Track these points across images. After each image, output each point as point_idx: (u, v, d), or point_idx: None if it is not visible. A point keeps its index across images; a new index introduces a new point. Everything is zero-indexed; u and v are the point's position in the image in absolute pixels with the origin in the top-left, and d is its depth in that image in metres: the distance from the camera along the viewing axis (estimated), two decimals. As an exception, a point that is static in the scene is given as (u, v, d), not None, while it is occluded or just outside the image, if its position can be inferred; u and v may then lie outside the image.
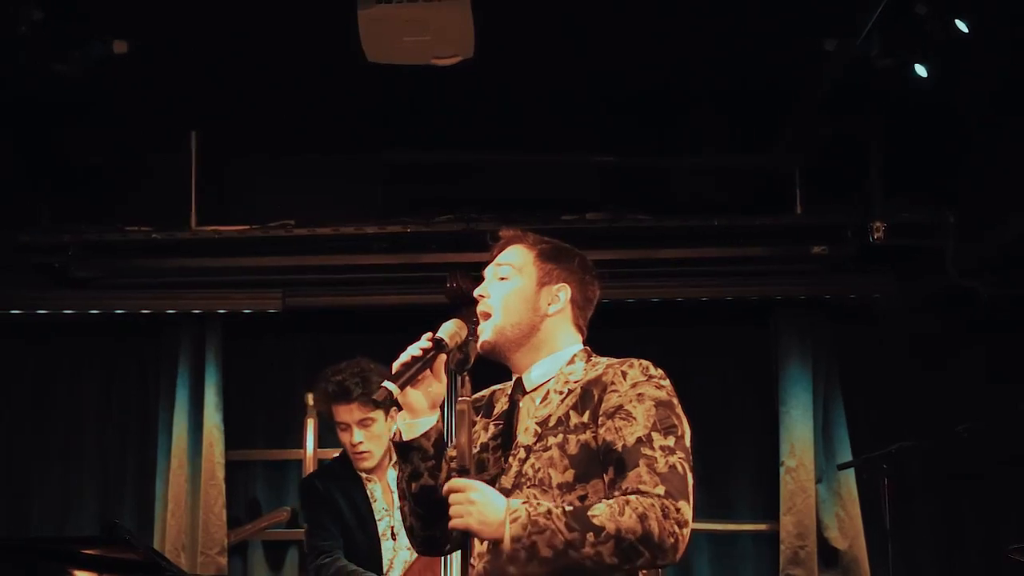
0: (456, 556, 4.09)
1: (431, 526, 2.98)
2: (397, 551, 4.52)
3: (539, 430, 2.89)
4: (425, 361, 2.84)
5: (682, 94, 5.89)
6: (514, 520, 2.67)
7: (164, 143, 6.03)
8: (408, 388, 2.85)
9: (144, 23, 5.12)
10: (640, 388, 2.83)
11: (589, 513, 2.67)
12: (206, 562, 6.01)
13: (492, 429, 3.01)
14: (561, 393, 2.92)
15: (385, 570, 4.49)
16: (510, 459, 2.91)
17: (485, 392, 3.12)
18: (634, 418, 2.79)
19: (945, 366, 6.24)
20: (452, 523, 2.69)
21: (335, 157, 6.17)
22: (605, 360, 2.98)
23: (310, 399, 6.10)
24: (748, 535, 6.27)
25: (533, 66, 5.51)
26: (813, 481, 6.07)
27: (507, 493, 2.84)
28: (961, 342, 6.24)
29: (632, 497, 2.69)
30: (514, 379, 3.03)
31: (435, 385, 2.89)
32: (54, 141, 6.00)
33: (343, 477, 4.61)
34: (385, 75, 5.23)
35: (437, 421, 2.93)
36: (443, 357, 2.90)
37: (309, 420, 6.10)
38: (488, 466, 2.95)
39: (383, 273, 6.11)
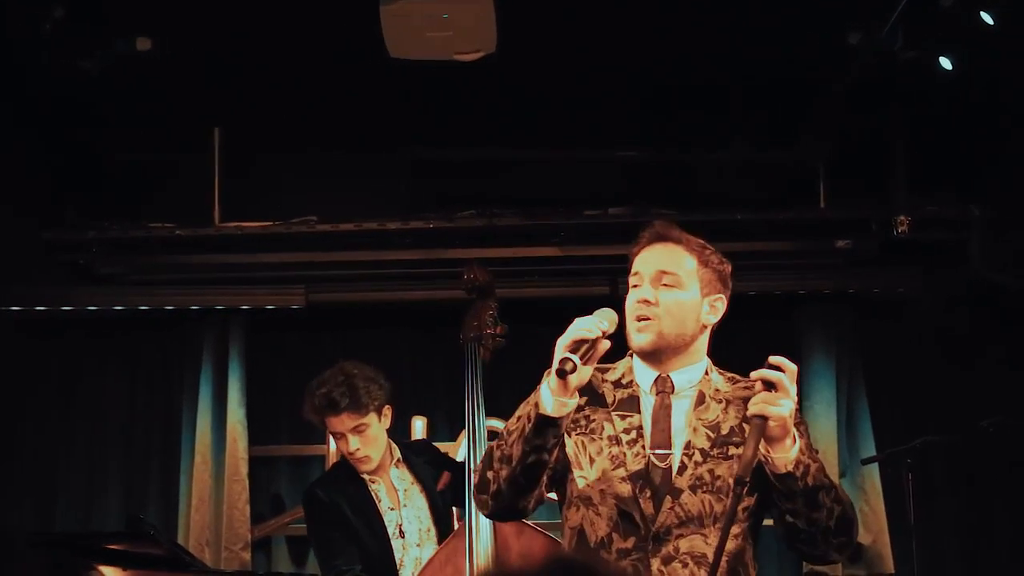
0: (483, 549, 4.12)
1: (523, 496, 3.01)
2: (407, 548, 4.49)
3: (711, 435, 2.96)
4: (593, 342, 2.85)
5: (706, 89, 5.86)
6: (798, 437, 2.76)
7: (187, 139, 6.04)
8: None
9: (167, 20, 5.13)
10: (798, 416, 2.88)
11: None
12: (230, 557, 6.02)
13: (620, 421, 3.01)
14: (719, 401, 3.00)
15: (397, 568, 4.48)
16: (683, 458, 2.95)
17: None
18: (801, 432, 2.89)
19: (970, 361, 6.21)
20: (769, 410, 2.71)
21: (358, 153, 6.18)
22: (740, 376, 3.07)
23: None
24: (771, 531, 6.23)
25: (556, 61, 5.50)
26: (837, 476, 6.05)
27: (680, 494, 2.92)
28: (986, 337, 6.21)
29: None
30: (649, 376, 3.04)
31: (586, 370, 2.89)
32: (78, 139, 6.02)
33: (345, 481, 4.58)
34: (408, 71, 5.23)
35: (576, 404, 2.93)
36: (608, 344, 2.90)
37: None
38: (626, 462, 2.96)
39: (406, 269, 6.11)
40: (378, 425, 4.51)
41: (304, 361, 6.39)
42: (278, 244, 6.09)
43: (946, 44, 4.91)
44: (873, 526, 6.05)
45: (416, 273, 6.11)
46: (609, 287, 5.83)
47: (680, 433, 2.98)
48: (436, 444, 5.09)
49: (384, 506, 4.53)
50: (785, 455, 2.73)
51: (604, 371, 3.09)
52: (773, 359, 2.74)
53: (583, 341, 2.83)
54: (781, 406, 2.70)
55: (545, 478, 3.01)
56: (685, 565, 2.90)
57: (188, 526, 6.08)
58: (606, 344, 2.89)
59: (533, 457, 2.92)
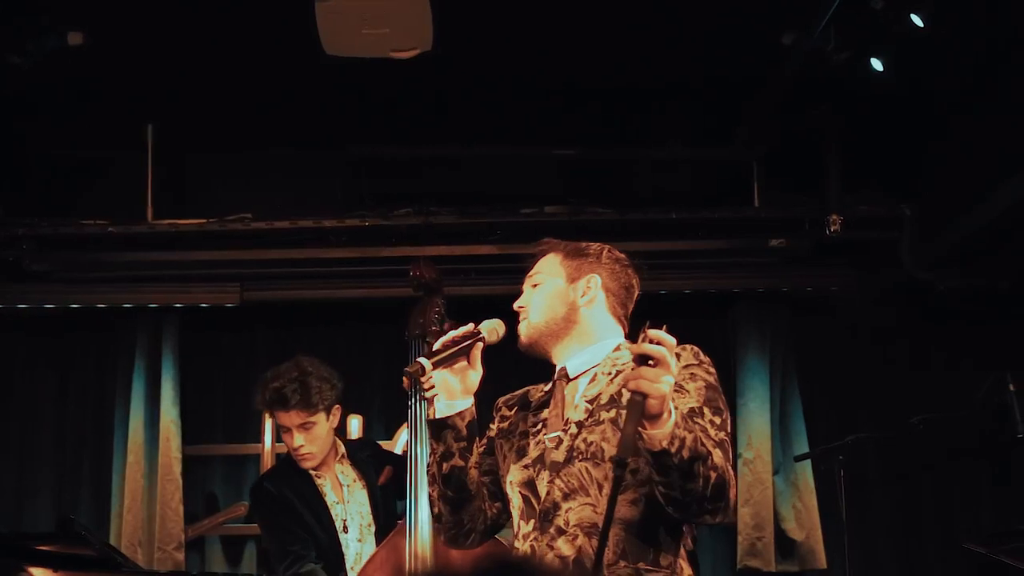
0: (422, 546, 4.11)
1: (460, 509, 3.07)
2: (349, 544, 4.53)
3: (589, 407, 2.96)
4: (461, 348, 2.96)
5: (641, 88, 5.90)
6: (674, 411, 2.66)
7: (121, 136, 5.98)
8: (444, 371, 2.97)
9: (99, 14, 5.07)
10: (692, 369, 2.93)
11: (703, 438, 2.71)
12: (163, 558, 5.97)
13: (531, 418, 3.08)
14: (609, 374, 3.00)
15: (346, 563, 4.50)
16: (560, 435, 2.97)
17: (518, 392, 3.21)
18: (687, 391, 2.88)
19: (901, 358, 6.29)
20: (650, 387, 2.55)
21: (293, 151, 6.15)
22: None
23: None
24: (705, 526, 6.27)
25: (492, 60, 5.51)
26: (770, 473, 6.11)
27: (559, 467, 2.93)
28: (917, 334, 6.29)
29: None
30: (557, 368, 3.09)
31: (471, 373, 3.01)
32: (8, 134, 5.94)
33: (292, 474, 4.60)
34: (343, 68, 5.21)
35: (471, 406, 3.04)
36: (480, 346, 3.00)
37: (267, 415, 6.08)
38: (529, 451, 3.02)
39: (341, 267, 6.10)
40: (325, 424, 4.54)
41: (239, 360, 6.37)
42: (212, 242, 6.04)
43: (877, 45, 4.97)
44: (806, 522, 6.11)
45: (352, 271, 6.10)
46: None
47: (568, 413, 3.01)
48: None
49: (330, 500, 4.57)
50: (661, 430, 2.60)
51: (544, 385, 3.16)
52: (652, 332, 2.57)
53: (445, 345, 2.96)
54: (662, 383, 2.55)
55: (484, 491, 3.09)
56: (575, 538, 2.86)
57: (120, 526, 6.03)
58: (480, 347, 3.00)
59: (446, 465, 3.03)
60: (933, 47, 4.98)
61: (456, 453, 3.02)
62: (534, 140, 6.08)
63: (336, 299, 6.16)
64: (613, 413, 2.91)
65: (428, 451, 3.09)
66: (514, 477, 3.03)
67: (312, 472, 4.58)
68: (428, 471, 3.11)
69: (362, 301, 6.13)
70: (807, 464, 6.06)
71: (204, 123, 5.94)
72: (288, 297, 6.17)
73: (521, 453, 3.03)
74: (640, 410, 2.58)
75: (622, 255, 3.21)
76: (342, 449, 4.67)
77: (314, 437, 4.51)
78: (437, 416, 3.02)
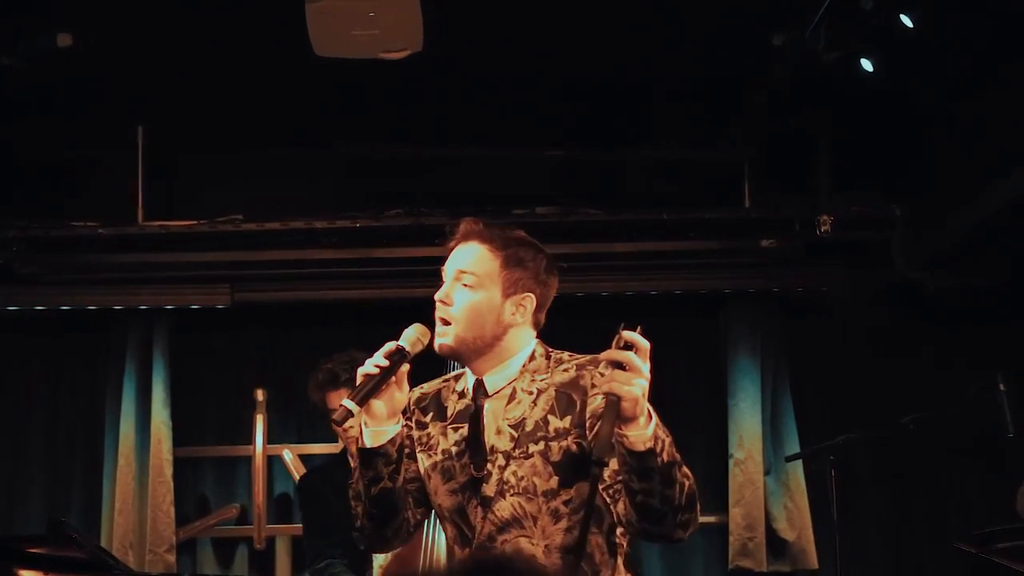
0: (440, 538, 4.14)
1: (385, 526, 2.97)
2: None
3: (515, 434, 2.87)
4: (386, 373, 2.80)
5: (632, 88, 5.90)
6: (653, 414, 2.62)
7: (111, 137, 5.97)
8: (371, 399, 2.81)
9: (89, 15, 5.07)
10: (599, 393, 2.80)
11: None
12: (154, 560, 5.96)
13: (452, 434, 2.96)
14: (531, 393, 2.91)
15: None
16: (488, 465, 2.88)
17: (429, 389, 3.07)
18: None
19: (892, 358, 6.30)
20: (622, 390, 2.55)
21: (284, 152, 6.15)
22: (567, 356, 2.98)
23: (260, 395, 6.09)
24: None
25: (483, 60, 5.50)
26: (761, 473, 6.11)
27: (490, 501, 2.86)
28: (908, 334, 6.30)
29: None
30: (473, 381, 2.97)
31: (398, 394, 2.85)
32: (-1, 135, 5.94)
33: (337, 471, 4.64)
34: (334, 69, 5.21)
35: (401, 427, 2.89)
36: (407, 367, 2.86)
37: (259, 416, 6.08)
38: (455, 474, 2.92)
39: (333, 268, 6.09)
40: None
41: (230, 361, 6.36)
42: (203, 243, 6.04)
43: (867, 46, 4.97)
44: (797, 522, 6.11)
45: (343, 272, 6.09)
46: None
47: (490, 438, 2.90)
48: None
49: None
50: (642, 432, 2.58)
51: (457, 379, 3.04)
52: (626, 335, 2.59)
53: (366, 379, 2.79)
54: (633, 385, 2.55)
55: (410, 499, 2.98)
56: None
57: (112, 529, 6.01)
58: (406, 367, 2.85)
59: (375, 488, 2.89)
60: (923, 47, 4.98)
61: (385, 476, 2.88)
62: (525, 141, 6.08)
63: (327, 300, 6.15)
64: (542, 446, 2.84)
65: (358, 476, 2.93)
66: (443, 502, 2.95)
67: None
68: (352, 488, 2.96)
69: (354, 302, 6.13)
70: (798, 464, 6.06)
71: (194, 124, 5.93)
72: (279, 298, 6.17)
73: (447, 475, 2.93)
74: (615, 410, 2.56)
75: (552, 260, 3.04)
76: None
77: None
78: (367, 446, 2.85)
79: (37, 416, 6.29)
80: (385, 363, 2.80)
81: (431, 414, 3.02)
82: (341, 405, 2.77)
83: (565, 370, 2.93)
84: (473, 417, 2.94)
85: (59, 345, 6.35)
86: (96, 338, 6.30)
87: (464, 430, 2.94)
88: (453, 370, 3.11)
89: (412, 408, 3.02)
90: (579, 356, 2.97)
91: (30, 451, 6.26)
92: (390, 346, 2.83)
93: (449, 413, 2.99)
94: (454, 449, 2.94)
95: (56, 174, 6.10)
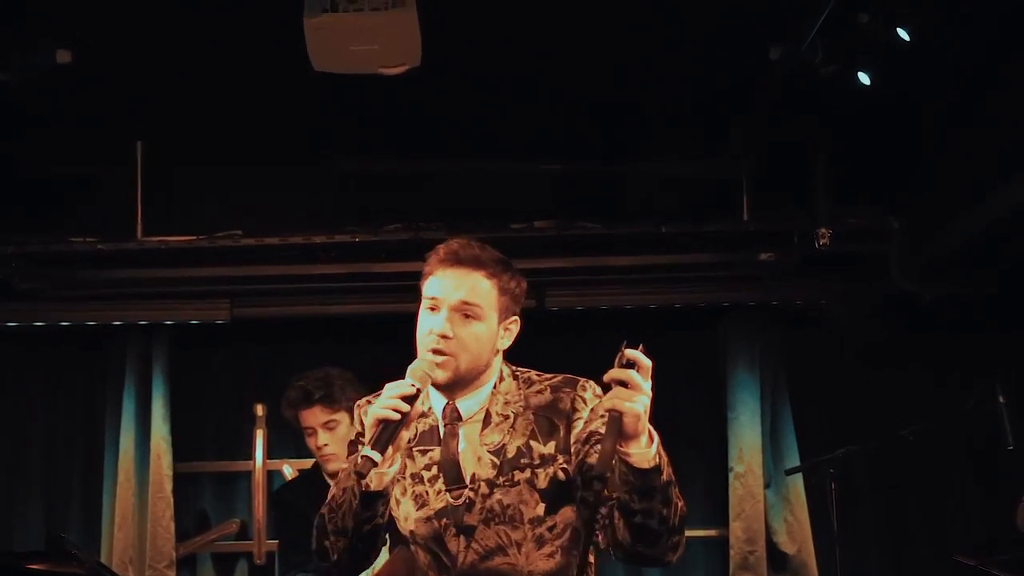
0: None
1: (365, 558, 2.91)
2: None
3: (496, 461, 2.84)
4: (404, 416, 2.70)
5: (631, 102, 5.91)
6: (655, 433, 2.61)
7: (109, 153, 5.98)
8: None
9: (88, 32, 5.08)
10: (601, 410, 2.77)
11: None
12: None
13: (420, 457, 2.89)
14: (506, 417, 2.88)
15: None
16: (468, 493, 2.84)
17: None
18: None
19: (891, 370, 6.31)
20: (624, 406, 2.52)
21: (283, 167, 6.15)
22: (535, 375, 2.95)
23: (259, 410, 6.08)
24: (698, 541, 6.29)
25: (481, 74, 5.51)
26: (761, 486, 6.11)
27: (473, 530, 2.82)
28: (906, 346, 6.30)
29: None
30: (443, 405, 2.90)
31: (404, 434, 2.75)
32: (-2, 151, 5.94)
33: (311, 486, 4.61)
34: (333, 84, 5.22)
35: (400, 465, 2.82)
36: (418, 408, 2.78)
37: (258, 431, 6.08)
38: (429, 500, 2.87)
39: (332, 283, 6.09)
40: (349, 426, 4.52)
41: (229, 376, 6.37)
42: (202, 258, 6.04)
43: (864, 59, 4.99)
44: (798, 535, 6.11)
45: (342, 287, 6.10)
46: (535, 300, 5.86)
47: (469, 465, 2.85)
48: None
49: None
50: (645, 451, 2.57)
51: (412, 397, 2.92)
52: (628, 353, 2.56)
53: (384, 428, 2.68)
54: (635, 403, 2.53)
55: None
56: None
57: (111, 544, 6.01)
58: (419, 409, 2.77)
59: (367, 527, 2.81)
60: (919, 60, 5.00)
61: (380, 515, 2.81)
62: (523, 155, 6.09)
63: (326, 315, 6.15)
64: (528, 473, 2.82)
65: (346, 511, 2.82)
66: (416, 528, 2.89)
67: (330, 481, 4.58)
68: (332, 523, 2.84)
69: (353, 317, 6.13)
70: (798, 477, 6.06)
71: (193, 140, 5.93)
72: (278, 313, 6.17)
73: (419, 501, 2.87)
74: (616, 426, 2.56)
75: (523, 279, 2.97)
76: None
77: (338, 437, 4.51)
78: (373, 489, 2.76)
79: (37, 431, 6.29)
80: (406, 408, 2.70)
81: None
82: (364, 456, 2.65)
83: (539, 391, 2.90)
84: (446, 442, 2.88)
85: (58, 361, 6.35)
86: (95, 354, 6.31)
87: (434, 454, 2.88)
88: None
89: (363, 424, 2.91)
90: (546, 375, 2.93)
91: (29, 466, 6.27)
92: (404, 388, 2.72)
93: (411, 435, 2.89)
94: (425, 474, 2.88)
95: (55, 190, 6.10)
